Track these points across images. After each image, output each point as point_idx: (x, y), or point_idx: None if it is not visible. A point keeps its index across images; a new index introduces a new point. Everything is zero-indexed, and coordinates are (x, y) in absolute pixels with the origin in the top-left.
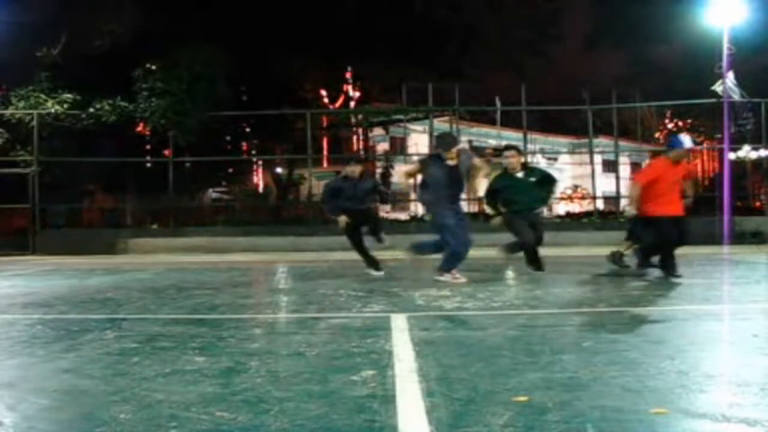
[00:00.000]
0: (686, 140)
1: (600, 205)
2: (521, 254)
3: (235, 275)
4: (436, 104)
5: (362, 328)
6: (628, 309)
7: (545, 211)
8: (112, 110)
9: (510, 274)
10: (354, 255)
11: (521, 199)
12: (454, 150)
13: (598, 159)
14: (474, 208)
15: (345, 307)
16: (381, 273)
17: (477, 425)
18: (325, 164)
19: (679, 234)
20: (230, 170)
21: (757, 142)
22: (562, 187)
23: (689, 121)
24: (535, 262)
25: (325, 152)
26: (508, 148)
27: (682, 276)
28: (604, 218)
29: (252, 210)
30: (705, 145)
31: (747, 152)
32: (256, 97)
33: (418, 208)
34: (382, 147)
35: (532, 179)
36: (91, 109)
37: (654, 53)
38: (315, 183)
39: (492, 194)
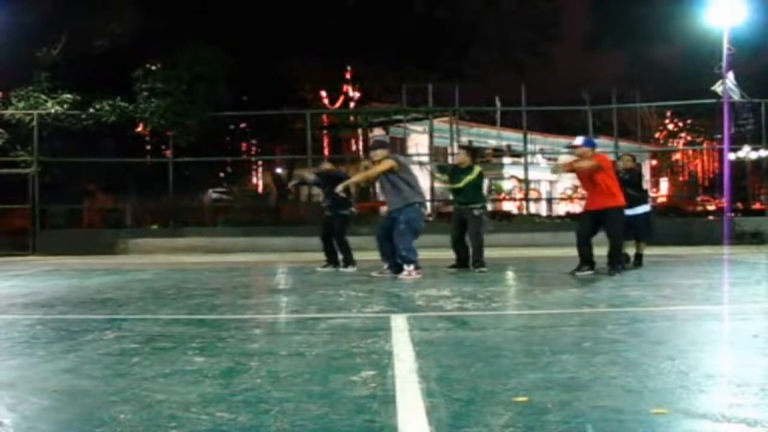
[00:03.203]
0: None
1: None
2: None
3: (235, 276)
4: (436, 104)
5: (362, 328)
6: (628, 309)
7: (544, 211)
8: (112, 110)
9: (510, 274)
10: (354, 255)
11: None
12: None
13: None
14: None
15: (345, 307)
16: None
17: (477, 425)
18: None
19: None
20: (230, 170)
21: (757, 142)
22: (562, 187)
23: (689, 121)
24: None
25: (325, 152)
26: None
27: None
28: None
29: (252, 210)
30: (705, 145)
31: (747, 152)
32: (256, 97)
33: None
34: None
35: (460, 174)
36: (91, 110)
37: (654, 53)
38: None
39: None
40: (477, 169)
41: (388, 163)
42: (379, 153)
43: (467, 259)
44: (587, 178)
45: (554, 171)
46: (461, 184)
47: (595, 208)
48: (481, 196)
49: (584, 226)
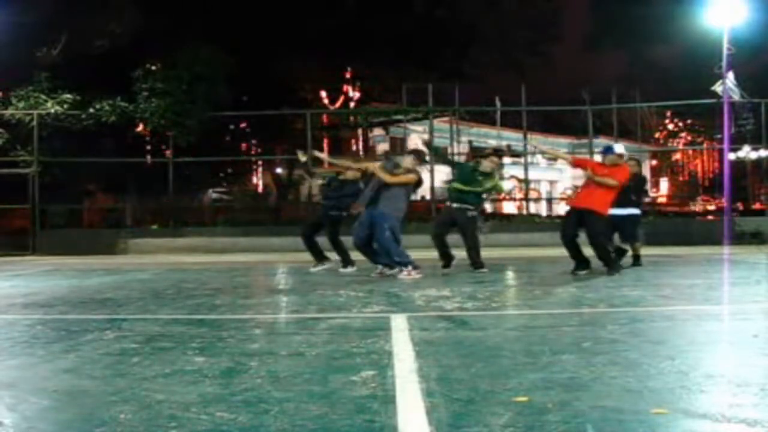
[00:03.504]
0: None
1: None
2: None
3: (235, 276)
4: (436, 104)
5: (362, 328)
6: (628, 309)
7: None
8: (112, 110)
9: (510, 274)
10: (351, 255)
11: (452, 191)
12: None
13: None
14: None
15: (345, 307)
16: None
17: (477, 425)
18: (325, 164)
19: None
20: (230, 170)
21: (757, 142)
22: (561, 187)
23: (689, 121)
24: (442, 257)
25: (325, 152)
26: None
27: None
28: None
29: (252, 210)
30: (705, 145)
31: (747, 152)
32: (256, 97)
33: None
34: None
35: (478, 176)
36: (91, 110)
37: (654, 53)
38: (315, 183)
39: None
40: (497, 177)
41: (413, 177)
42: (408, 161)
43: (450, 252)
44: (593, 179)
45: (544, 155)
46: (482, 189)
47: (579, 206)
48: (481, 200)
49: (567, 225)
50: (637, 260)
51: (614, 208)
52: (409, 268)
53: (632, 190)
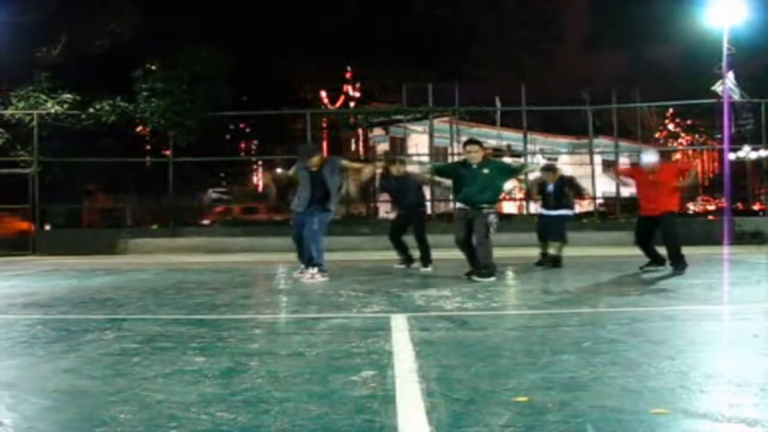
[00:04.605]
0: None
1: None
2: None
3: (234, 276)
4: (436, 104)
5: (362, 328)
6: (628, 309)
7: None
8: (112, 110)
9: (510, 274)
10: (352, 256)
11: (466, 191)
12: (315, 159)
13: (598, 159)
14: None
15: (345, 307)
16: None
17: (477, 425)
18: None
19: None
20: (230, 170)
21: (757, 142)
22: None
23: (689, 121)
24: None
25: (324, 153)
26: (470, 142)
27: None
28: (604, 219)
29: (252, 210)
30: (705, 145)
31: (747, 152)
32: (256, 97)
33: None
34: (382, 147)
35: (485, 171)
36: (91, 110)
37: (654, 53)
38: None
39: (441, 174)
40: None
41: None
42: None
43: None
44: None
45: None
46: (509, 181)
47: (657, 212)
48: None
49: (641, 231)
50: (548, 258)
51: (544, 209)
52: (315, 270)
53: (554, 195)
